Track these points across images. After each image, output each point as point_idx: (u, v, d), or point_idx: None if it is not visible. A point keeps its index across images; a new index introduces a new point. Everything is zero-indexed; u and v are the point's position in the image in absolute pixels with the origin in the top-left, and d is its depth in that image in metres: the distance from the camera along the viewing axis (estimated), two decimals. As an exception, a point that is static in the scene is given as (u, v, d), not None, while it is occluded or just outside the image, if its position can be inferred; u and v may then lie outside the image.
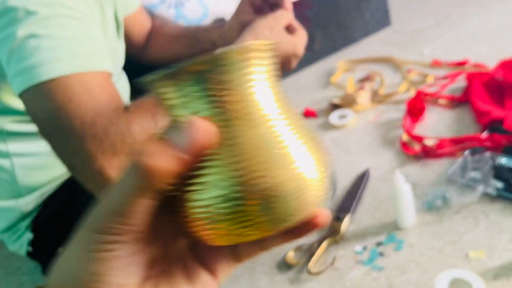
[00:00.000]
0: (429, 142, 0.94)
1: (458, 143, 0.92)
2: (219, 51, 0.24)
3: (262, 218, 0.25)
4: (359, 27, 1.55)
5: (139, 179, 0.23)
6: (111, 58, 0.63)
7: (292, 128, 0.26)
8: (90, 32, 0.62)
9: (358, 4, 1.52)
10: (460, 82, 1.13)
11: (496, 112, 0.94)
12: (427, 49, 1.35)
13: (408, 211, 0.78)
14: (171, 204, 0.26)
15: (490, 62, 1.14)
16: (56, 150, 0.59)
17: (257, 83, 0.25)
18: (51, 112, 0.56)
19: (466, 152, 0.87)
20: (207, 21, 1.24)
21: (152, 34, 1.06)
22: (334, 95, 1.27)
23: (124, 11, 0.92)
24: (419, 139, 0.97)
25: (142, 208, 0.24)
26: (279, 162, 0.25)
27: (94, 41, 0.62)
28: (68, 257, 0.25)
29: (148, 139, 0.56)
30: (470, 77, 1.08)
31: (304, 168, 0.25)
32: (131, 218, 0.24)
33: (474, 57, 1.21)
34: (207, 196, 0.24)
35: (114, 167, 0.56)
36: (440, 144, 0.92)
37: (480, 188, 0.79)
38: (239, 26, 0.84)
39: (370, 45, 1.50)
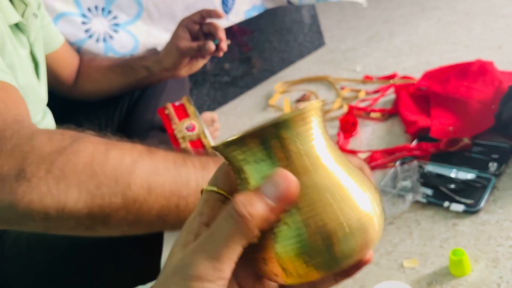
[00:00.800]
0: (363, 156, 0.96)
1: (389, 154, 0.94)
2: (282, 115, 0.27)
3: (331, 256, 0.27)
4: (294, 49, 1.58)
5: (237, 225, 0.26)
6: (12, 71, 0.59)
7: (347, 172, 0.29)
8: None
9: (291, 27, 1.56)
10: (390, 95, 1.17)
11: (423, 121, 0.97)
12: (359, 66, 1.39)
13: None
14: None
15: (416, 74, 1.18)
16: None
17: (315, 137, 0.29)
18: None
19: (397, 163, 0.89)
20: (138, 53, 1.22)
21: (82, 68, 1.03)
22: (272, 116, 1.28)
23: (45, 49, 0.89)
24: (353, 153, 0.98)
25: (235, 255, 0.26)
26: (345, 204, 0.27)
27: None
28: None
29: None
30: (398, 89, 1.12)
31: (365, 206, 0.28)
32: (225, 264, 0.26)
33: (402, 70, 1.26)
34: (283, 241, 0.27)
35: (11, 170, 0.45)
36: (373, 157, 0.94)
37: (410, 197, 0.80)
38: (176, 52, 0.84)
39: (306, 66, 1.53)
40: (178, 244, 0.29)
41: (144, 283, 0.67)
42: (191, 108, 0.93)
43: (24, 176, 0.45)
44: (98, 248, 0.64)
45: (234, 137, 0.28)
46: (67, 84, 1.00)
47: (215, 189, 0.31)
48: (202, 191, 0.32)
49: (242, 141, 0.28)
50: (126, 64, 0.94)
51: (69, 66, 1.01)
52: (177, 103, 0.96)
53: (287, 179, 0.27)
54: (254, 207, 0.26)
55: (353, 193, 0.28)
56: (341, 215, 0.27)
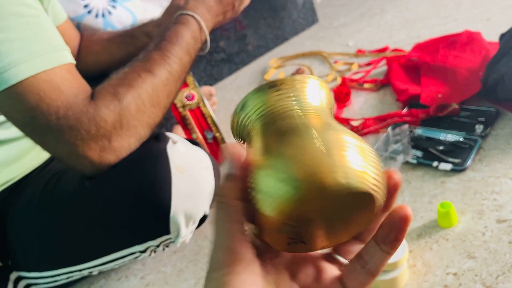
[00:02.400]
0: (356, 123, 1.00)
1: (381, 121, 0.98)
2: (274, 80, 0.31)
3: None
4: (289, 26, 1.61)
5: (224, 213, 0.28)
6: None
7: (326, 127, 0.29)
8: (44, 26, 0.64)
9: (285, 4, 1.58)
10: (382, 68, 1.20)
11: (413, 89, 1.01)
12: (351, 41, 1.42)
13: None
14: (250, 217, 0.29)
15: (407, 47, 1.22)
16: (40, 145, 0.65)
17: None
18: (26, 113, 0.61)
19: (389, 128, 0.93)
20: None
21: (83, 43, 1.06)
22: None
23: (53, 21, 0.92)
24: (346, 121, 1.02)
25: (238, 235, 0.28)
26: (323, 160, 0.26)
27: (50, 35, 0.64)
28: None
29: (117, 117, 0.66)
30: (390, 61, 1.16)
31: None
32: (234, 249, 0.28)
33: (393, 44, 1.29)
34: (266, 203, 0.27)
35: (94, 150, 0.64)
36: (365, 124, 0.98)
37: (401, 158, 0.84)
38: (176, 12, 0.87)
39: (300, 42, 1.56)
40: None
41: (154, 238, 0.70)
42: (190, 78, 0.95)
43: (108, 148, 0.65)
44: (107, 205, 0.67)
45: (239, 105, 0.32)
46: None
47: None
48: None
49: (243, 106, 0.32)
50: (126, 34, 0.96)
51: (72, 41, 1.03)
52: (176, 75, 0.98)
53: (234, 152, 0.29)
54: (225, 192, 0.29)
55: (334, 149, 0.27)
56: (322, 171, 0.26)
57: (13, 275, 0.79)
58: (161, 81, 0.70)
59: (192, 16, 0.77)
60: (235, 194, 0.29)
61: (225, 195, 0.29)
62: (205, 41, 0.79)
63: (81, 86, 0.65)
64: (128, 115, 0.65)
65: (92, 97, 0.65)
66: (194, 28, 0.76)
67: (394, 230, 0.29)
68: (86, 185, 0.67)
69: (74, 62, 0.67)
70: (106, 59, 1.01)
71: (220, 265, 0.28)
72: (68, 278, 0.79)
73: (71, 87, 0.64)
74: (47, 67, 0.62)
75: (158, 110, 0.69)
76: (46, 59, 0.62)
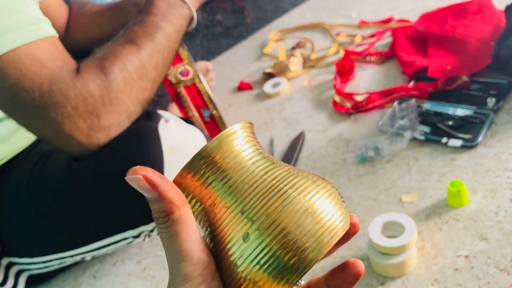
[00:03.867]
0: (360, 98, 0.95)
1: (387, 95, 0.93)
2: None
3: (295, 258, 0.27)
4: (288, -3, 1.54)
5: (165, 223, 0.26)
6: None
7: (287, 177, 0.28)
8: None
9: (284, -26, 1.51)
10: (387, 39, 1.15)
11: (420, 61, 0.96)
12: (354, 11, 1.36)
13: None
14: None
15: (413, 17, 1.16)
16: (23, 124, 0.61)
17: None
18: (8, 90, 0.57)
19: (395, 103, 0.88)
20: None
21: (72, 16, 1.00)
22: (268, 65, 1.26)
23: None
24: (349, 96, 0.97)
25: (184, 239, 0.26)
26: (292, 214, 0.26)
27: (28, 7, 0.59)
28: None
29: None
30: (395, 32, 1.10)
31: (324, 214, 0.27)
32: (190, 257, 0.26)
33: (398, 14, 1.23)
34: (242, 261, 0.27)
35: (82, 129, 0.60)
36: (370, 98, 0.93)
37: (408, 134, 0.80)
38: None
39: (301, 13, 1.49)
40: None
41: (147, 223, 0.67)
42: (184, 53, 0.90)
43: (97, 126, 0.60)
44: (95, 188, 0.63)
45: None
46: (59, 34, 0.98)
47: None
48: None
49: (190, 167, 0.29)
50: (116, 6, 0.91)
51: (59, 14, 0.98)
52: (170, 49, 0.93)
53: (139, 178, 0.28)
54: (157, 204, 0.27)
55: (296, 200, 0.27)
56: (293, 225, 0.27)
57: (4, 261, 0.76)
58: (146, 52, 0.65)
59: None
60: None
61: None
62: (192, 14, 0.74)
63: (65, 59, 0.61)
64: (116, 89, 0.61)
65: (78, 71, 0.61)
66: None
67: (345, 284, 0.30)
68: (73, 166, 0.64)
69: (57, 34, 0.63)
70: (96, 33, 0.96)
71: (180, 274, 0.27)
72: (60, 263, 0.76)
73: (54, 61, 0.59)
74: (28, 40, 0.57)
75: (146, 83, 0.65)
76: (26, 31, 0.57)
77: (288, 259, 0.26)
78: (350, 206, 0.75)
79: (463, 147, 0.76)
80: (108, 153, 0.62)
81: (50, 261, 0.75)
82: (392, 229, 0.64)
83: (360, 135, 0.87)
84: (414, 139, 0.81)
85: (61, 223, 0.68)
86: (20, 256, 0.75)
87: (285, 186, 0.27)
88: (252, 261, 0.26)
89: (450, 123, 0.80)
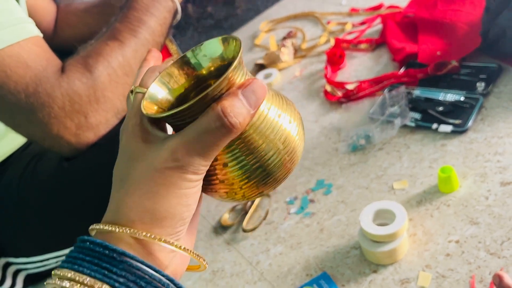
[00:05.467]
0: (350, 87, 0.95)
1: (377, 83, 0.93)
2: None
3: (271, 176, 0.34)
4: (279, -14, 1.53)
5: (226, 132, 0.30)
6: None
7: (278, 107, 0.34)
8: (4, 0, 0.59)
9: (274, -37, 1.50)
10: (377, 26, 1.14)
11: (410, 47, 0.96)
12: (344, -1, 1.35)
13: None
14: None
15: (403, 3, 1.15)
16: (12, 126, 0.61)
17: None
18: None
19: (385, 90, 0.88)
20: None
21: (59, 15, 1.00)
22: (259, 56, 1.26)
23: None
24: (340, 85, 0.97)
25: (218, 153, 0.31)
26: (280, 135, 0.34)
27: (10, 7, 0.59)
28: (143, 194, 0.31)
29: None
30: (385, 19, 1.09)
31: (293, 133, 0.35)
32: (210, 160, 0.31)
33: (388, 1, 1.22)
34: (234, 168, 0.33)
35: (70, 128, 0.60)
36: (360, 87, 0.93)
37: (398, 122, 0.80)
38: None
39: (291, 3, 1.48)
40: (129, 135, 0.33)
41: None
42: (173, 47, 0.90)
43: (85, 125, 0.60)
44: (87, 186, 0.64)
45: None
46: (47, 33, 0.97)
47: (144, 90, 0.34)
48: (131, 91, 0.35)
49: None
50: (103, 3, 0.91)
51: (47, 13, 0.97)
52: (159, 44, 0.93)
53: (263, 86, 0.31)
54: (242, 115, 0.30)
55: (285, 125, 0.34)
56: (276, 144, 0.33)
57: (1, 261, 0.76)
58: (130, 48, 0.65)
59: None
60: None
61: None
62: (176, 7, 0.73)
63: (50, 59, 0.61)
64: (101, 86, 0.61)
65: (63, 71, 0.61)
66: None
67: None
68: (64, 166, 0.64)
69: (41, 34, 0.62)
70: (85, 31, 0.96)
71: (195, 168, 0.31)
72: (57, 262, 0.77)
73: (39, 61, 0.59)
74: (11, 42, 0.57)
75: (131, 79, 0.65)
76: (9, 33, 0.57)
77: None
78: (342, 195, 0.75)
79: (453, 132, 0.76)
80: (98, 151, 0.63)
81: (47, 260, 0.75)
82: (383, 217, 0.64)
83: (351, 124, 0.87)
84: (404, 126, 0.81)
85: (55, 222, 0.68)
86: (17, 256, 0.75)
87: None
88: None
89: (440, 109, 0.80)
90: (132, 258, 0.30)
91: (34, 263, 0.76)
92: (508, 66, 0.83)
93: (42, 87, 0.58)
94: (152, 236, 0.30)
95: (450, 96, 0.81)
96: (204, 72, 0.36)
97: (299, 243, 0.71)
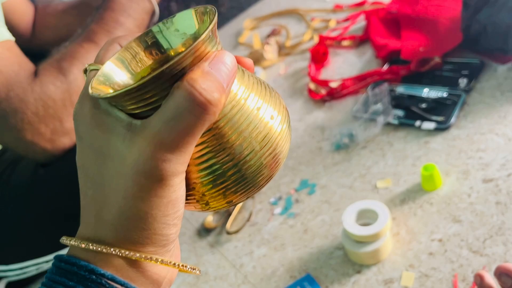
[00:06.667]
0: (334, 85, 0.94)
1: (361, 80, 0.92)
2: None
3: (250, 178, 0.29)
4: (263, -17, 1.51)
5: (201, 112, 0.24)
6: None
7: (257, 95, 0.29)
8: None
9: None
10: (361, 23, 1.14)
11: (393, 43, 0.95)
12: (329, -5, 1.34)
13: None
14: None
15: (387, -2, 1.15)
16: None
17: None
18: None
19: (368, 88, 0.88)
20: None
21: (38, 16, 0.98)
22: (243, 54, 1.24)
23: None
24: (324, 83, 0.96)
25: (196, 141, 0.26)
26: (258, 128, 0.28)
27: None
28: (124, 205, 0.26)
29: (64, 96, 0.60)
30: (368, 15, 1.09)
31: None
32: (189, 154, 0.26)
33: (372, -4, 1.22)
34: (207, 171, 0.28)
35: (44, 134, 0.58)
36: (344, 84, 0.92)
37: (382, 119, 0.79)
38: None
39: (275, 0, 1.47)
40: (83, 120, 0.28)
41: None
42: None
43: (60, 130, 0.57)
44: (64, 192, 0.62)
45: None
46: (25, 35, 0.95)
47: (100, 67, 0.29)
48: (85, 70, 0.30)
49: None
50: (81, 3, 0.89)
51: (25, 15, 0.96)
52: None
53: (233, 58, 0.26)
54: (218, 90, 0.25)
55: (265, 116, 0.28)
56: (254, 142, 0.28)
57: (-19, 269, 0.75)
58: None
59: None
60: None
61: None
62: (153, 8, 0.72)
63: (22, 63, 0.59)
64: (76, 90, 0.60)
65: (36, 75, 0.59)
66: None
67: None
68: (40, 173, 0.62)
69: (13, 38, 0.61)
70: (64, 33, 0.94)
71: (171, 171, 0.26)
72: (37, 269, 0.75)
73: (10, 66, 0.58)
74: None
75: None
76: None
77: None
78: (326, 195, 0.74)
79: (436, 129, 0.75)
80: (74, 157, 0.61)
81: (27, 267, 0.74)
82: (366, 216, 0.64)
83: (335, 123, 0.87)
84: (388, 124, 0.80)
85: (32, 230, 0.67)
86: (-4, 264, 0.74)
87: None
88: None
89: (424, 105, 0.80)
90: (123, 285, 0.26)
91: (14, 270, 0.74)
92: (490, 62, 0.83)
93: (14, 92, 0.56)
94: (149, 257, 0.26)
95: (433, 93, 0.81)
96: (172, 52, 0.30)
97: (283, 244, 0.70)
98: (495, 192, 0.63)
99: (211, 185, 0.28)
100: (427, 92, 0.82)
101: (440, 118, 0.76)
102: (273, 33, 1.25)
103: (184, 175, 0.26)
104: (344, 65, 1.02)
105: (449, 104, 0.78)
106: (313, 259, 0.66)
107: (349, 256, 0.64)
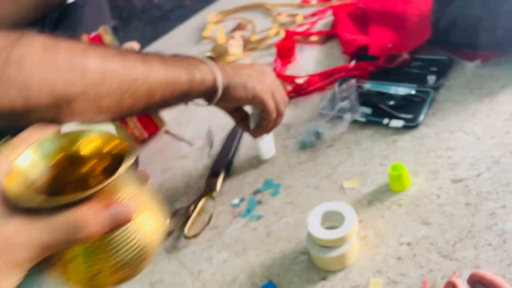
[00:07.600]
0: (300, 81, 0.90)
1: (327, 77, 0.89)
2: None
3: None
4: (229, -23, 1.46)
5: (75, 238, 0.30)
6: None
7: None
8: None
9: (223, -48, 1.43)
10: (329, 18, 1.11)
11: (361, 39, 0.92)
12: (296, -10, 1.30)
13: (265, 141, 0.76)
14: None
15: (355, -7, 1.12)
16: None
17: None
18: None
19: (335, 84, 0.84)
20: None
21: None
22: (207, 49, 1.19)
23: None
24: (290, 79, 0.92)
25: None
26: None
27: None
28: None
29: None
30: (336, 10, 1.06)
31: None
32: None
33: (340, -9, 1.19)
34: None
35: None
36: (310, 80, 0.89)
37: (349, 117, 0.76)
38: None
39: (242, -6, 1.42)
40: None
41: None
42: (108, 38, 0.83)
43: None
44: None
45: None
46: None
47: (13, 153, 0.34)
48: None
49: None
50: None
51: None
52: (92, 34, 0.85)
53: (128, 209, 0.32)
54: (96, 231, 0.31)
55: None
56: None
57: None
58: (114, 61, 0.51)
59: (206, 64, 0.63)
60: None
61: None
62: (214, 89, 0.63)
63: None
64: (28, 52, 0.50)
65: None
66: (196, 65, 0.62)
67: None
68: None
69: None
70: (12, 11, 0.86)
71: None
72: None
73: None
74: None
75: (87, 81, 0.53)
76: None
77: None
78: (291, 196, 0.70)
79: (405, 127, 0.73)
80: None
81: None
82: (332, 219, 0.60)
83: (301, 120, 0.83)
84: (355, 122, 0.77)
85: None
86: None
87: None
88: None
89: (392, 103, 0.77)
90: None
91: None
92: (459, 59, 0.81)
93: None
94: None
95: (402, 90, 0.78)
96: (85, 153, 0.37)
97: (245, 248, 0.66)
98: (464, 192, 0.61)
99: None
100: (395, 89, 0.79)
101: (408, 116, 0.73)
102: (239, 27, 1.20)
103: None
104: (310, 60, 0.99)
105: (417, 101, 0.75)
106: (276, 265, 0.62)
107: (314, 262, 0.60)
